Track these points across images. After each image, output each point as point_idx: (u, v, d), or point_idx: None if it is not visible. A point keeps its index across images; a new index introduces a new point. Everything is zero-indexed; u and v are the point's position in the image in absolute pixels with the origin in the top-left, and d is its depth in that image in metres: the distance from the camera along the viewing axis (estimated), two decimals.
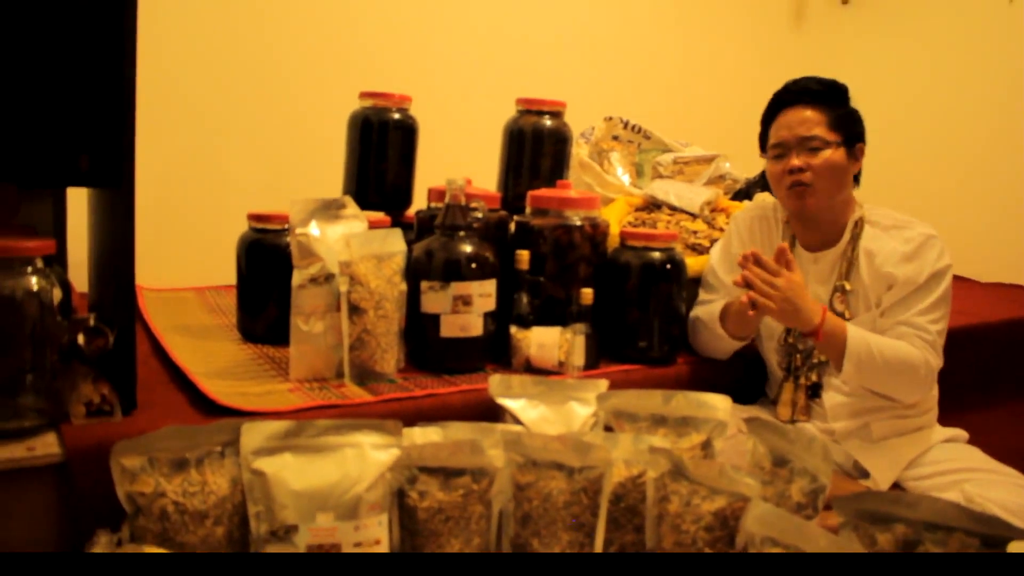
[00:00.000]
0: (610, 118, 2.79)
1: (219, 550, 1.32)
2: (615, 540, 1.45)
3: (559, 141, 2.20)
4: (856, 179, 1.90)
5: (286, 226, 1.89)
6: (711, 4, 3.60)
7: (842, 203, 1.87)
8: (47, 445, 1.37)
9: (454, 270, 1.77)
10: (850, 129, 1.85)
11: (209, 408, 1.54)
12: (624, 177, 2.68)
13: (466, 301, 1.78)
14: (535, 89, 2.25)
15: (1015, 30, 3.11)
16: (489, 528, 1.45)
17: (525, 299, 1.89)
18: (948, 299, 1.81)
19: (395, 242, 1.77)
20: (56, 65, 1.41)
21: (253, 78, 2.67)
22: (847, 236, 1.88)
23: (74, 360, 1.46)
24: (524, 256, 1.89)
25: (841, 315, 1.84)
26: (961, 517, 1.17)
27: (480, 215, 1.91)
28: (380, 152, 2.14)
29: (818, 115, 1.83)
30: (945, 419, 1.93)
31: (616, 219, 2.33)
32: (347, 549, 1.31)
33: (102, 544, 1.26)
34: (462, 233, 1.81)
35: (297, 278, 1.71)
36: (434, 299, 1.78)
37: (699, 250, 2.23)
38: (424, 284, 1.78)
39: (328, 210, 1.79)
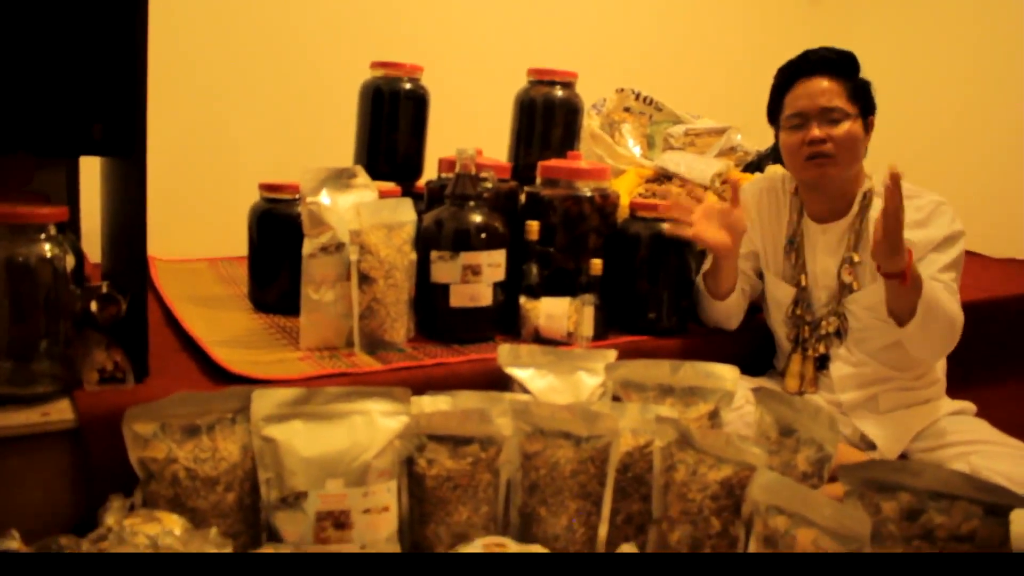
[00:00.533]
0: (622, 90, 2.78)
1: (230, 516, 1.34)
2: (622, 509, 1.46)
3: (570, 112, 2.19)
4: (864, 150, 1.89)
5: (297, 196, 1.89)
6: None
7: (854, 174, 1.86)
8: (61, 411, 1.38)
9: (464, 240, 1.78)
10: (866, 100, 1.84)
11: (220, 376, 1.56)
12: (635, 149, 2.67)
13: (475, 271, 1.79)
14: (547, 60, 2.25)
15: None
16: (497, 496, 1.46)
17: (535, 270, 1.89)
18: (960, 264, 1.80)
19: (405, 212, 1.77)
20: (69, 35, 1.41)
21: (265, 48, 2.66)
22: (856, 208, 1.87)
23: (87, 327, 1.48)
24: (534, 227, 1.89)
25: (849, 287, 1.84)
26: (965, 486, 1.18)
27: (490, 185, 1.91)
28: (391, 122, 2.13)
29: (837, 86, 1.81)
30: (953, 393, 1.93)
31: (626, 190, 2.32)
32: (356, 515, 1.33)
33: (115, 509, 1.28)
34: (472, 203, 1.81)
35: (308, 247, 1.71)
36: (444, 269, 1.79)
37: None
38: (434, 254, 1.79)
39: (339, 179, 1.79)
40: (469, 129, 2.25)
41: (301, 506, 1.32)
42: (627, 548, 1.39)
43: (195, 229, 2.58)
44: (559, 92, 2.17)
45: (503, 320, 1.89)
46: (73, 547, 1.18)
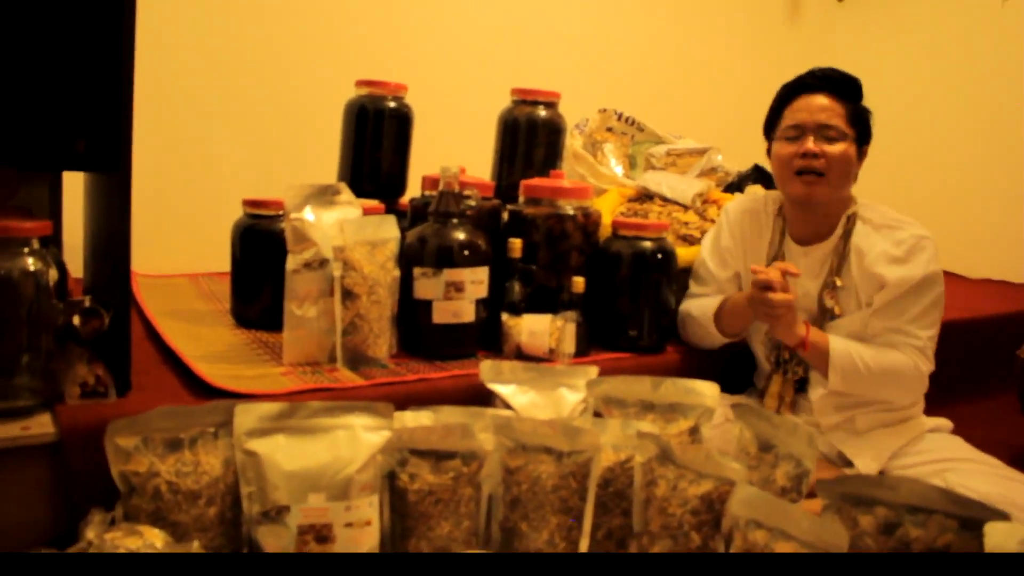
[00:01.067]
0: (604, 110, 2.81)
1: (211, 530, 1.33)
2: (603, 524, 1.47)
3: (553, 131, 2.21)
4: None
5: (281, 212, 1.90)
6: None
7: (841, 199, 1.86)
8: (42, 425, 1.38)
9: (447, 257, 1.79)
10: (864, 127, 1.85)
11: (202, 390, 1.56)
12: (617, 168, 2.70)
13: (458, 288, 1.80)
14: (530, 79, 2.26)
15: (1009, 29, 3.13)
16: (478, 511, 1.46)
17: (517, 287, 1.90)
18: (940, 304, 1.81)
19: (389, 228, 1.78)
20: (55, 49, 1.42)
21: (250, 65, 2.67)
22: (839, 231, 1.87)
23: (69, 341, 1.47)
24: (517, 244, 1.91)
25: (831, 311, 1.85)
26: (941, 500, 1.20)
27: (473, 203, 1.92)
28: (375, 140, 2.14)
29: (839, 106, 1.82)
30: (932, 411, 1.94)
31: (608, 209, 2.34)
32: (338, 529, 1.33)
33: (96, 523, 1.28)
34: (455, 220, 1.82)
35: (291, 263, 1.72)
36: (427, 285, 1.79)
37: (690, 241, 2.24)
38: (417, 270, 1.80)
39: (323, 196, 1.80)
40: (453, 147, 2.27)
41: (283, 520, 1.32)
42: None
43: (178, 244, 2.59)
44: (542, 112, 2.19)
45: (485, 336, 1.90)
46: None
